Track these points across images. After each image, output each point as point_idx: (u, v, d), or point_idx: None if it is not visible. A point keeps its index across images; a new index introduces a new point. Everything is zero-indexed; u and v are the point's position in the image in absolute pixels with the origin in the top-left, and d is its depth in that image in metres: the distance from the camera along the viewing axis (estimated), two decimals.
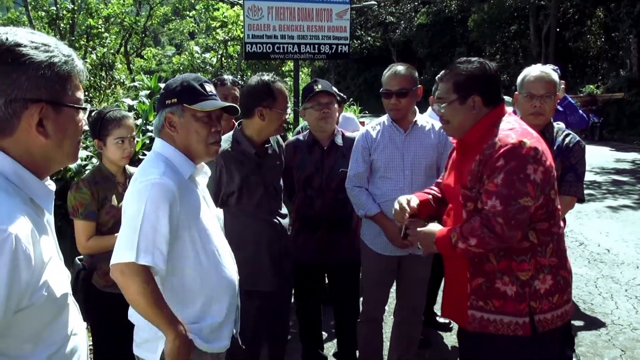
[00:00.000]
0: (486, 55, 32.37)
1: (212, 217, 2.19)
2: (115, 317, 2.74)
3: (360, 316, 3.50)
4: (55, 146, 1.32)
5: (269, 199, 3.05)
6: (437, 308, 4.68)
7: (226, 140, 3.02)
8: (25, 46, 1.24)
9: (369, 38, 42.21)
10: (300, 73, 13.05)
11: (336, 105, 3.59)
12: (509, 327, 2.23)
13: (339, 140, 3.54)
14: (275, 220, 3.10)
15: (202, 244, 2.07)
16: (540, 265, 2.23)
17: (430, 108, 4.52)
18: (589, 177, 11.58)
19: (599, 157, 14.75)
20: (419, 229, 2.40)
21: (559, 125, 3.38)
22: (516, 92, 3.21)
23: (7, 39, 1.23)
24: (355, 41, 37.33)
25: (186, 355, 1.92)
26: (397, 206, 2.49)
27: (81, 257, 3.04)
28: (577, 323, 4.48)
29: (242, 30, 11.04)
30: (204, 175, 2.23)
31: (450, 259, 2.41)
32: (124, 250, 1.91)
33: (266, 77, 3.04)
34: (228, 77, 4.25)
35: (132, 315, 2.13)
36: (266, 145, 3.12)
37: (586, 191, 10.26)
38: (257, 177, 3.01)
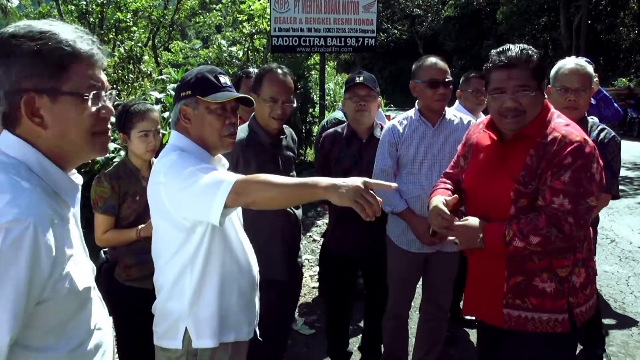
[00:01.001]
0: None
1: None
2: (136, 310, 2.77)
3: (385, 312, 3.47)
4: (59, 137, 1.29)
5: None
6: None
7: (243, 130, 3.02)
8: (19, 37, 1.23)
9: (396, 31, 41.94)
10: (326, 66, 13.01)
11: (379, 99, 3.55)
12: (548, 324, 2.18)
13: (377, 133, 3.47)
14: (290, 210, 3.09)
15: (222, 235, 2.07)
16: (576, 260, 2.20)
17: (457, 101, 4.44)
18: (620, 172, 11.33)
19: (631, 152, 14.42)
20: (457, 222, 2.29)
21: (592, 119, 3.29)
22: (549, 85, 3.13)
23: (6, 31, 1.24)
24: (381, 34, 37.09)
25: (352, 192, 1.72)
26: (438, 216, 2.32)
27: (106, 249, 3.06)
28: (608, 322, 4.37)
29: (269, 23, 11.05)
30: (221, 167, 2.22)
31: (481, 257, 2.33)
32: (216, 195, 1.77)
33: (269, 65, 3.04)
34: (254, 70, 4.24)
35: (155, 308, 2.16)
36: (281, 137, 3.11)
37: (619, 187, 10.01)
38: (273, 168, 2.99)
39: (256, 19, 15.79)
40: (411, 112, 3.30)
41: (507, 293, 2.22)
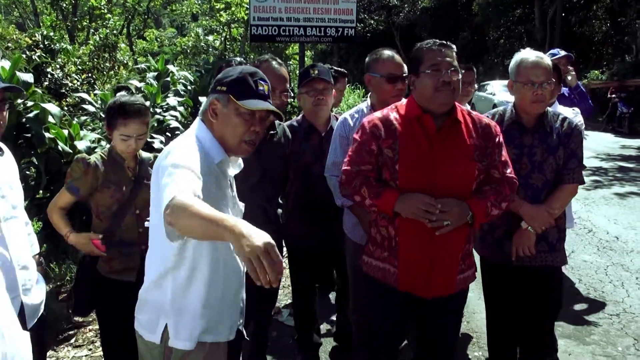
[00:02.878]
0: (490, 39, 32.14)
1: (236, 210, 2.15)
2: (118, 303, 2.77)
3: (350, 305, 3.46)
4: None
5: (264, 185, 2.99)
6: None
7: None
8: None
9: (372, 21, 41.89)
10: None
11: (334, 89, 3.55)
12: (473, 276, 2.62)
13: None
14: (269, 207, 3.05)
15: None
16: None
17: None
18: (595, 163, 11.54)
19: (605, 144, 14.68)
20: (459, 204, 2.35)
21: (566, 110, 3.29)
22: (510, 80, 3.03)
23: None
24: (358, 24, 37.05)
25: (252, 250, 1.45)
26: (431, 206, 2.32)
27: None
28: (589, 311, 4.48)
29: (246, 12, 10.95)
30: (237, 167, 2.18)
31: (444, 236, 2.38)
32: (161, 208, 1.70)
33: (264, 56, 3.02)
34: (237, 59, 4.20)
35: (140, 294, 2.13)
36: (271, 132, 3.05)
37: (593, 178, 10.24)
38: (255, 162, 2.93)
39: (233, 8, 15.65)
40: (363, 106, 3.26)
41: (459, 261, 2.50)
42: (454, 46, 2.50)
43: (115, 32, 16.48)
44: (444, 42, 2.48)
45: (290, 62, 15.09)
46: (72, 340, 3.99)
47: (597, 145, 13.88)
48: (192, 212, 1.58)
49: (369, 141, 2.50)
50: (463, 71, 4.21)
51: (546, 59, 2.98)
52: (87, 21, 16.70)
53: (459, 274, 2.51)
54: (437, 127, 2.43)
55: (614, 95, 18.31)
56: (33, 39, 10.57)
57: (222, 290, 2.07)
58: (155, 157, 2.94)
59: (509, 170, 2.52)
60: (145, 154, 3.01)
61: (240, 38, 16.29)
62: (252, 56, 14.60)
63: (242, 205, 2.23)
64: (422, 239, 2.41)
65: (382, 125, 2.50)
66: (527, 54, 2.98)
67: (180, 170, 1.78)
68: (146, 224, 2.72)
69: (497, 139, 2.51)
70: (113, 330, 2.92)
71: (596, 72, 22.72)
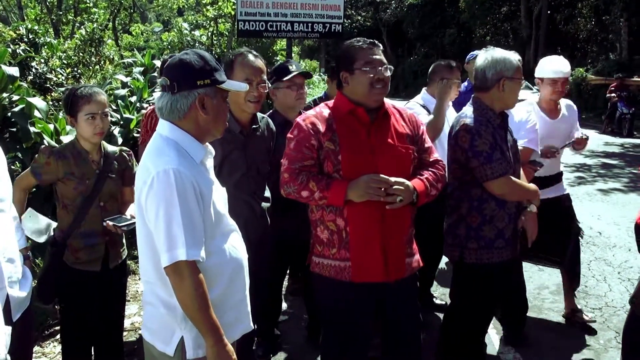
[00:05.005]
0: (476, 36, 32.30)
1: (223, 199, 2.15)
2: (82, 292, 2.91)
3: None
4: None
5: (249, 180, 2.99)
6: (433, 289, 4.70)
7: None
8: None
9: (359, 17, 41.93)
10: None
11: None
12: (418, 263, 2.71)
13: None
14: (255, 202, 3.05)
15: (220, 228, 2.05)
16: None
17: (424, 89, 4.37)
18: (578, 159, 11.63)
19: (589, 140, 14.76)
20: (407, 182, 2.46)
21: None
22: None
23: None
24: (345, 20, 37.01)
25: None
26: (382, 182, 2.40)
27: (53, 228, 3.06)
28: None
29: (233, 7, 10.90)
30: (210, 156, 2.16)
31: (393, 215, 2.48)
32: (173, 249, 1.82)
33: (239, 50, 3.04)
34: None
35: (145, 301, 2.09)
36: (254, 126, 3.04)
37: (577, 174, 10.30)
38: (240, 157, 2.94)
39: (220, 3, 15.57)
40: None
41: (406, 244, 2.60)
42: (381, 45, 2.62)
43: (101, 27, 16.35)
44: (373, 40, 2.59)
45: (278, 58, 15.07)
46: (58, 336, 3.98)
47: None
48: (196, 294, 1.83)
49: (308, 137, 2.51)
50: (454, 64, 4.26)
51: None
52: (72, 15, 16.53)
53: (406, 257, 2.61)
54: (371, 119, 2.55)
55: (613, 95, 16.83)
56: (17, 32, 10.45)
57: (231, 292, 2.07)
58: (122, 151, 3.09)
59: (436, 154, 2.72)
60: (110, 148, 3.08)
61: (227, 33, 16.21)
62: None
63: (223, 190, 2.22)
64: (372, 224, 2.48)
65: (319, 120, 2.55)
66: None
67: (184, 220, 1.84)
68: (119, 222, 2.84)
69: (421, 128, 2.72)
70: (77, 320, 3.00)
71: (581, 69, 22.90)
